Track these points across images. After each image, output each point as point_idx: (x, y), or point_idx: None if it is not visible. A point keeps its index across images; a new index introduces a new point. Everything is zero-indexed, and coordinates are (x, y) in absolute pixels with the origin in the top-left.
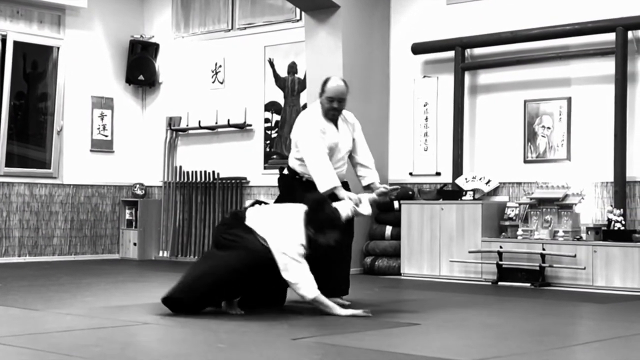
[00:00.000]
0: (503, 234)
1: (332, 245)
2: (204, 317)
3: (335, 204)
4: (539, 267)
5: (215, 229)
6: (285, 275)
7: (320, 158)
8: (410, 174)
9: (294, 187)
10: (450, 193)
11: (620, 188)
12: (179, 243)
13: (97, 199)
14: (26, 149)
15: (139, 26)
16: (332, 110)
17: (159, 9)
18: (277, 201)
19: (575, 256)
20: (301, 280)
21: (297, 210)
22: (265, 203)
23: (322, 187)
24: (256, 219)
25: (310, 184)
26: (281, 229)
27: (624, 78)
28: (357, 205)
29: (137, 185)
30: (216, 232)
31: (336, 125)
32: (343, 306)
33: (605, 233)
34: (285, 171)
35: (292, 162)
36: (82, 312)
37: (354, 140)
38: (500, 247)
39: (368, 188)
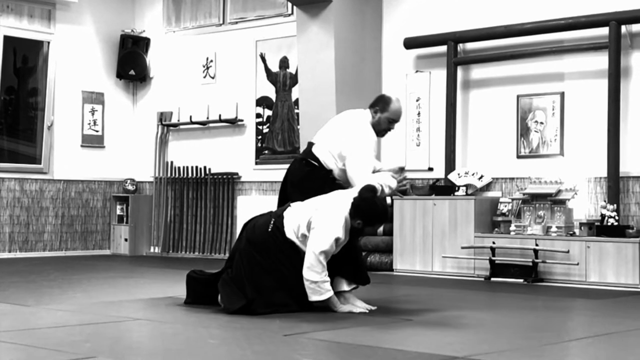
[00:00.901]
0: (496, 229)
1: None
2: (195, 313)
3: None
4: (532, 262)
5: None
6: (306, 274)
7: (366, 180)
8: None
9: (325, 183)
10: (443, 188)
11: (614, 183)
12: (170, 239)
13: (87, 194)
14: (16, 144)
15: (129, 21)
16: (388, 131)
17: (149, 3)
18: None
19: (568, 252)
20: (317, 283)
21: (340, 203)
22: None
23: None
24: (295, 219)
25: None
26: (320, 225)
27: (617, 73)
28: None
29: (128, 181)
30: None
31: None
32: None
33: (599, 228)
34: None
35: (332, 165)
36: (73, 307)
37: None
38: (493, 243)
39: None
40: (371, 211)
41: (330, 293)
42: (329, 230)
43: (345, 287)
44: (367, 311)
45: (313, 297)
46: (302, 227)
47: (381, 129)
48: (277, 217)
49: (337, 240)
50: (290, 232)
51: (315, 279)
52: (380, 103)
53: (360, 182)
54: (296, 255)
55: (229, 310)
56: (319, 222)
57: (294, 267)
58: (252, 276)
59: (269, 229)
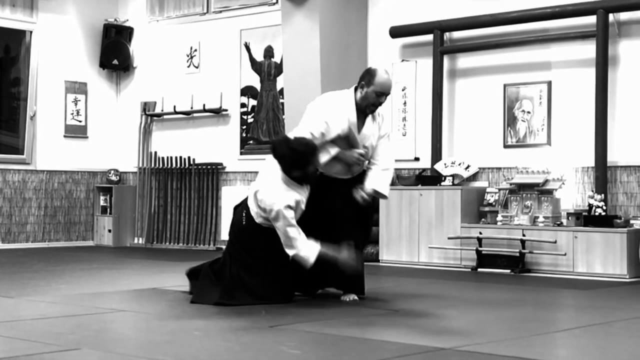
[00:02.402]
0: (483, 219)
1: (313, 172)
2: (180, 305)
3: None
4: (519, 253)
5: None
6: (287, 251)
7: None
8: None
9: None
10: (429, 178)
11: (602, 173)
12: (154, 230)
13: (71, 185)
14: None
15: (113, 10)
16: (377, 105)
17: None
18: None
19: (555, 242)
20: (297, 249)
21: (271, 168)
22: None
23: None
24: (252, 202)
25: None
26: (264, 199)
27: (605, 62)
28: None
29: (112, 171)
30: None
31: (364, 119)
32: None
33: (586, 218)
34: None
35: None
36: (56, 299)
37: (379, 137)
38: (480, 233)
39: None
40: (286, 152)
41: (316, 251)
42: (273, 201)
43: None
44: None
45: (310, 262)
46: (255, 205)
47: (369, 103)
48: (245, 207)
49: (288, 206)
50: (256, 216)
51: (293, 253)
52: (366, 77)
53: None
54: (274, 239)
55: (196, 302)
56: (263, 197)
57: (276, 256)
58: (238, 276)
59: (244, 222)
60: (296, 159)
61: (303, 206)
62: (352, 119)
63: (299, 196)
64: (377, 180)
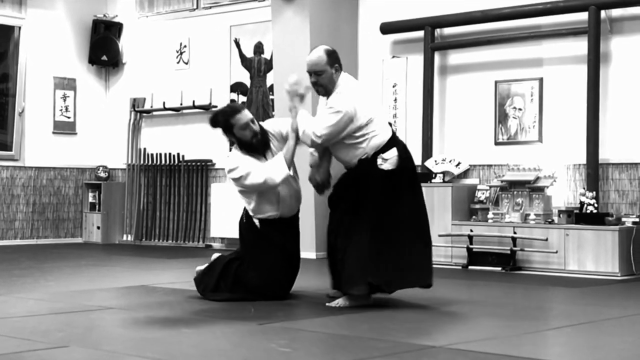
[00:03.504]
0: (473, 217)
1: (256, 131)
2: (169, 302)
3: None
4: (510, 250)
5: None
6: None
7: None
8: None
9: None
10: (420, 175)
11: (593, 170)
12: (143, 227)
13: (59, 181)
14: None
15: (102, 5)
16: (314, 86)
17: None
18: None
19: (546, 240)
20: (263, 174)
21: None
22: None
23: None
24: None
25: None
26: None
27: (597, 58)
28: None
29: (101, 168)
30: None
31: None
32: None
33: (578, 216)
34: None
35: None
36: (45, 296)
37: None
38: (471, 231)
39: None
40: (218, 117)
41: (279, 157)
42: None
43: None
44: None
45: (277, 180)
46: (245, 202)
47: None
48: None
49: (244, 166)
50: (251, 212)
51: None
52: None
53: None
54: (270, 236)
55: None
56: (225, 167)
57: (273, 254)
58: (238, 271)
59: (244, 220)
60: (221, 120)
61: None
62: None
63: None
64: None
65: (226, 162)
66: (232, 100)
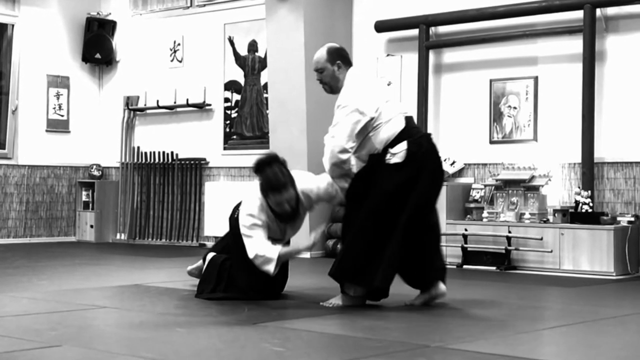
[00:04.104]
0: (468, 216)
1: (287, 211)
2: (163, 301)
3: (299, 173)
4: (504, 250)
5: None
6: (248, 255)
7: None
8: None
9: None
10: None
11: (588, 169)
12: (136, 225)
13: (52, 180)
14: None
15: (95, 3)
16: (320, 83)
17: None
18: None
19: (541, 239)
20: (256, 253)
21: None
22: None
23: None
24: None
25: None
26: (242, 208)
27: (592, 57)
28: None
29: (94, 166)
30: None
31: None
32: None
33: (573, 215)
34: None
35: None
36: (38, 295)
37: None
38: (465, 230)
39: None
40: (261, 181)
41: (275, 255)
42: (245, 231)
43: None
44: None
45: (263, 268)
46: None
47: None
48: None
49: (254, 225)
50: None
51: (266, 270)
52: None
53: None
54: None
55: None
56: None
57: None
58: (230, 269)
59: (235, 215)
60: (268, 184)
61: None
62: None
63: (270, 223)
64: None
65: (244, 200)
66: (274, 161)
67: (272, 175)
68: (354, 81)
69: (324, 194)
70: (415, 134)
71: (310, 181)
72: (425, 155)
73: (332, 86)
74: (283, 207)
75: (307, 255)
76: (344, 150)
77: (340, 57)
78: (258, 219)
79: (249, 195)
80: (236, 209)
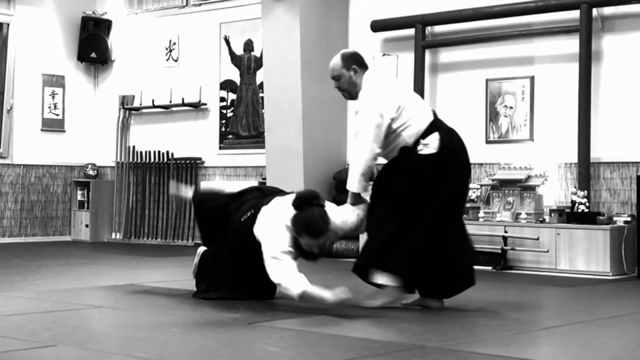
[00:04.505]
0: (464, 216)
1: (315, 253)
2: (158, 301)
3: (332, 209)
4: (500, 250)
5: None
6: (271, 277)
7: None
8: None
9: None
10: None
11: (585, 169)
12: (132, 225)
13: (48, 179)
14: None
15: (91, 2)
16: (339, 90)
17: None
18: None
19: (538, 239)
20: (284, 279)
21: (280, 211)
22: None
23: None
24: (263, 217)
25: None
26: (271, 229)
27: (589, 57)
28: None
29: (89, 166)
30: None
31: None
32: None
33: (569, 215)
34: None
35: None
36: (33, 295)
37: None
38: None
39: None
40: (298, 217)
41: (301, 290)
42: (275, 253)
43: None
44: (350, 296)
45: (288, 292)
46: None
47: None
48: (254, 208)
49: (288, 252)
50: (256, 230)
51: (279, 278)
52: None
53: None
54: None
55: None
56: (263, 241)
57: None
58: (227, 269)
59: (242, 219)
60: (306, 226)
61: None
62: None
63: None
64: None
65: (273, 223)
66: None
67: (313, 219)
68: (371, 84)
69: (350, 227)
70: (444, 125)
71: (337, 216)
72: (458, 145)
73: (351, 92)
74: (312, 250)
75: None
76: (374, 157)
77: (356, 62)
78: (290, 249)
79: (278, 219)
80: (246, 213)
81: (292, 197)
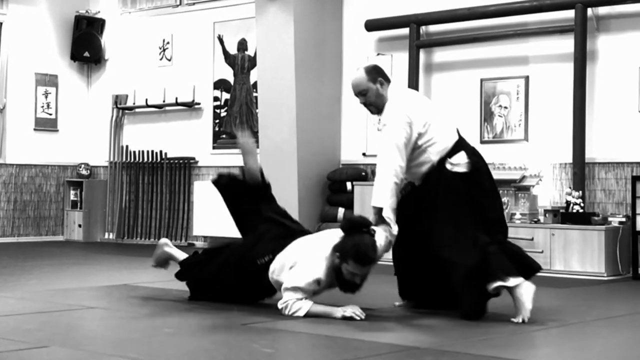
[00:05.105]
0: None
1: (356, 284)
2: (151, 302)
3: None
4: None
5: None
6: (280, 306)
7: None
8: (364, 154)
9: None
10: None
11: (579, 169)
12: (125, 225)
13: (40, 179)
14: None
15: (84, 1)
16: (364, 105)
17: None
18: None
19: (532, 239)
20: (287, 308)
21: (332, 238)
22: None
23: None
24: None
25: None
26: (304, 258)
27: (583, 56)
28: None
29: (82, 165)
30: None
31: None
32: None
33: (564, 215)
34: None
35: None
36: (26, 295)
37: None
38: None
39: None
40: (346, 243)
41: (305, 312)
42: (295, 283)
43: None
44: (363, 316)
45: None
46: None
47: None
48: (274, 253)
49: (317, 281)
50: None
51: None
52: None
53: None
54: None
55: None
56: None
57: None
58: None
59: (259, 262)
60: (355, 253)
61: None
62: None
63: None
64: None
65: (308, 252)
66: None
67: (364, 246)
68: (398, 98)
69: (381, 254)
70: (468, 145)
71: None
72: (484, 167)
73: (379, 105)
74: (354, 279)
75: None
76: (401, 171)
77: (380, 74)
78: (318, 283)
79: (314, 249)
80: (263, 257)
81: (329, 231)
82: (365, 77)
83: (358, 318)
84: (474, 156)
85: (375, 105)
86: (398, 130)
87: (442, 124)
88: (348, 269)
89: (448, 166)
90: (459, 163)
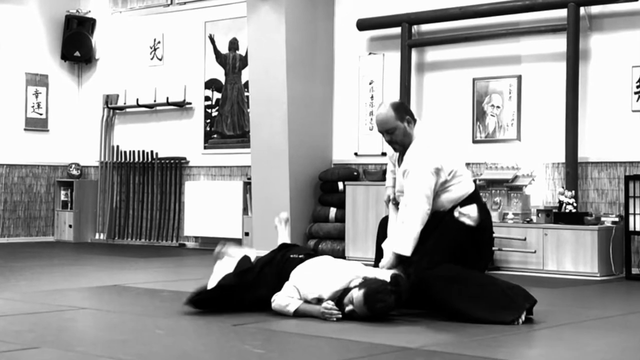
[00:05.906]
0: None
1: (358, 316)
2: (143, 302)
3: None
4: None
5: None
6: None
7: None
8: (356, 154)
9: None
10: None
11: (572, 169)
12: (115, 225)
13: (31, 179)
14: None
15: (74, 1)
16: (389, 143)
17: None
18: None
19: (525, 239)
20: (279, 305)
21: (348, 269)
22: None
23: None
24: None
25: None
26: (320, 275)
27: (576, 56)
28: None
29: (73, 166)
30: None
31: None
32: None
33: (557, 215)
34: None
35: None
36: (16, 296)
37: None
38: None
39: None
40: (374, 289)
41: (293, 310)
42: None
43: None
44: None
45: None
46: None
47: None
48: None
49: (318, 299)
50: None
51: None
52: None
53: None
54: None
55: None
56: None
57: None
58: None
59: (292, 256)
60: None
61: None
62: (394, 158)
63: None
64: (394, 239)
65: (334, 270)
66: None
67: (383, 305)
68: (427, 140)
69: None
70: (480, 199)
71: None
72: (490, 225)
73: (405, 144)
74: (353, 314)
75: None
76: (428, 215)
77: (408, 112)
78: (318, 300)
79: (338, 271)
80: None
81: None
82: (394, 115)
83: (334, 319)
84: (483, 212)
85: (401, 144)
86: (428, 177)
87: (464, 173)
88: (355, 301)
89: (456, 214)
90: (468, 215)
